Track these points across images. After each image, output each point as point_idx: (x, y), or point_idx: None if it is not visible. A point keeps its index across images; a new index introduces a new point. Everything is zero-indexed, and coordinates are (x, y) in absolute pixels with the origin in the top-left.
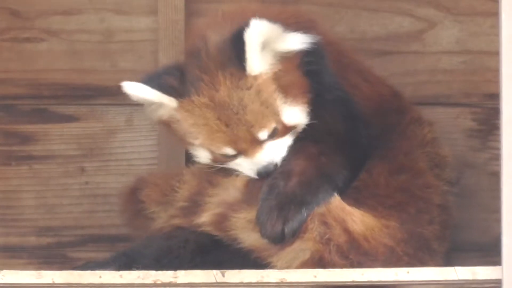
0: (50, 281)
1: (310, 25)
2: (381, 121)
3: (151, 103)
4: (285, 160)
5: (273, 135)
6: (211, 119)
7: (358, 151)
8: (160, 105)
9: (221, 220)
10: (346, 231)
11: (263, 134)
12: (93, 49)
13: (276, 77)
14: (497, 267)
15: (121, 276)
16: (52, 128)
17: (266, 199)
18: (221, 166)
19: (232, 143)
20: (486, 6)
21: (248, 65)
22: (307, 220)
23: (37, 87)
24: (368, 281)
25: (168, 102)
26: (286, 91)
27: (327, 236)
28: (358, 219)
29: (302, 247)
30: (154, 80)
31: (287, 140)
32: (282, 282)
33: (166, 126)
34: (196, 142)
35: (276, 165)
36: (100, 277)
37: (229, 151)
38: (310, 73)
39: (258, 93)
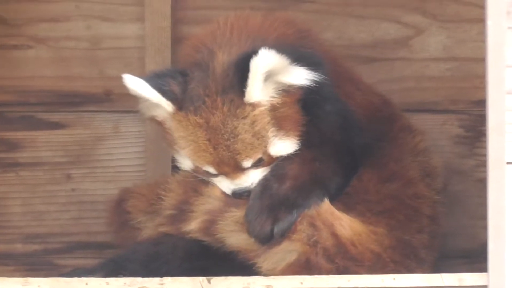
0: None
1: (310, 35)
2: (373, 129)
3: (148, 101)
4: (280, 163)
5: (258, 164)
6: (201, 139)
7: (351, 159)
8: (157, 105)
9: (209, 225)
10: (334, 235)
11: (247, 163)
12: (80, 56)
13: (273, 109)
14: (484, 274)
15: (107, 283)
16: (39, 135)
17: (258, 198)
18: (201, 177)
19: (215, 164)
20: (473, 12)
21: (248, 92)
22: (296, 222)
23: (24, 94)
24: (354, 287)
25: (166, 106)
26: (280, 124)
27: (314, 238)
28: (346, 224)
29: (290, 248)
30: (157, 80)
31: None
32: None
33: (158, 125)
34: (182, 152)
35: (251, 191)
36: (87, 284)
37: (211, 170)
38: (311, 86)
39: (252, 123)
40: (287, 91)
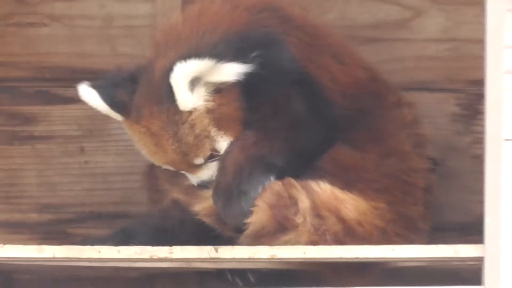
0: (51, 256)
1: (275, 13)
2: (355, 103)
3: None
4: (224, 155)
5: (210, 158)
6: (150, 144)
7: (315, 130)
8: None
9: (214, 217)
10: (341, 219)
11: (198, 161)
12: (93, 34)
13: (211, 111)
14: (479, 245)
15: (119, 251)
16: (54, 110)
17: (215, 201)
18: None
19: (170, 164)
20: None
21: (179, 103)
22: (252, 205)
23: (40, 70)
24: (355, 257)
25: (115, 116)
26: (220, 124)
27: (323, 227)
28: (350, 206)
29: (298, 240)
30: (109, 91)
31: None
32: (272, 258)
33: None
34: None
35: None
36: (99, 252)
37: (169, 168)
38: (256, 65)
39: (192, 127)
40: (220, 90)
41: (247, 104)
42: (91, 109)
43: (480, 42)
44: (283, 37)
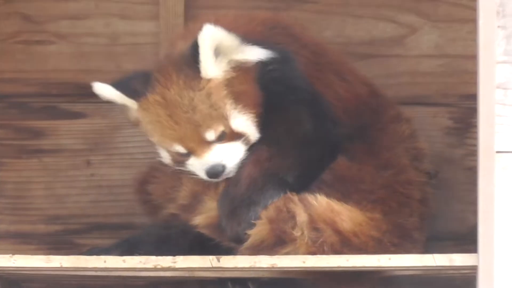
0: (58, 265)
1: (285, 31)
2: (355, 120)
3: (119, 104)
4: (238, 167)
5: (221, 138)
6: (163, 116)
7: (322, 149)
8: (126, 107)
9: (216, 225)
10: (337, 231)
11: (210, 135)
12: (99, 51)
13: (229, 84)
14: (473, 254)
15: (124, 261)
16: (61, 124)
17: (221, 206)
18: (181, 168)
19: (180, 140)
20: (463, 13)
21: (201, 67)
22: (258, 217)
23: (47, 86)
24: (352, 267)
25: (130, 104)
26: (238, 98)
27: (320, 240)
28: (346, 217)
29: (297, 253)
30: (122, 83)
31: (238, 146)
32: (273, 267)
33: (137, 127)
34: (153, 139)
35: (224, 166)
36: (105, 261)
37: (179, 148)
38: (273, 79)
39: (208, 95)
40: (241, 67)
41: (260, 120)
42: (97, 123)
43: (472, 58)
44: (293, 55)
